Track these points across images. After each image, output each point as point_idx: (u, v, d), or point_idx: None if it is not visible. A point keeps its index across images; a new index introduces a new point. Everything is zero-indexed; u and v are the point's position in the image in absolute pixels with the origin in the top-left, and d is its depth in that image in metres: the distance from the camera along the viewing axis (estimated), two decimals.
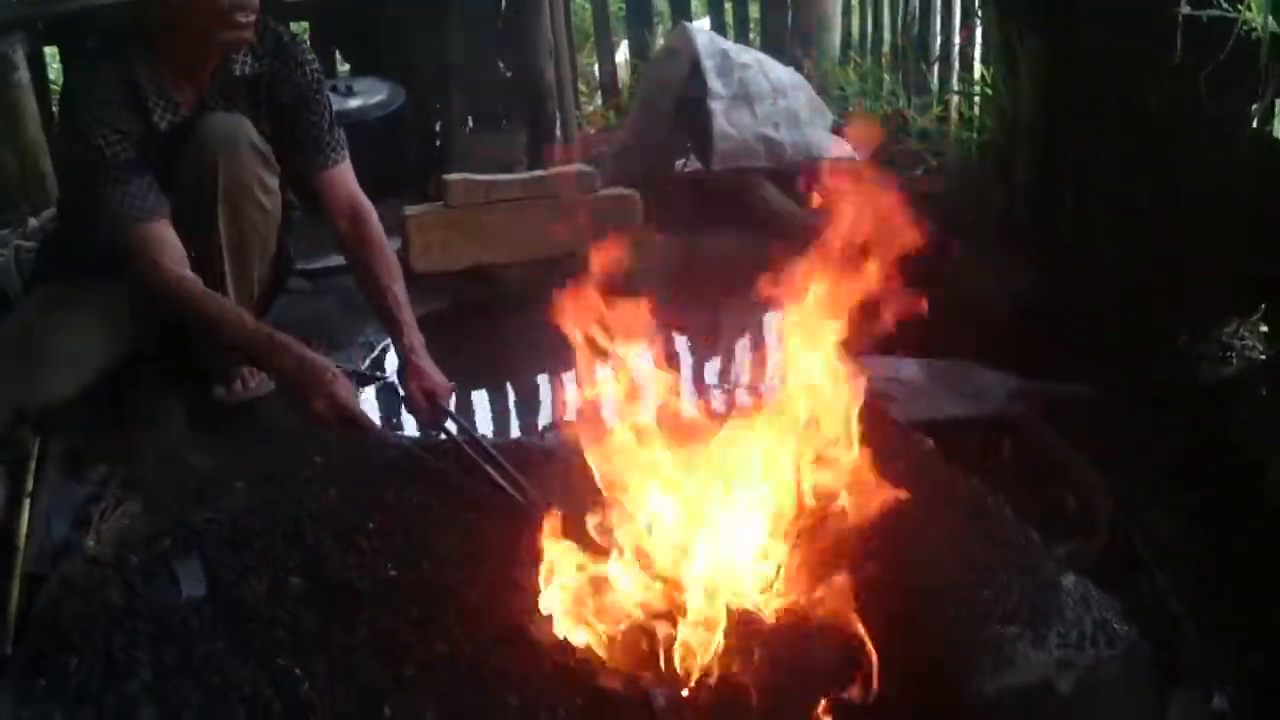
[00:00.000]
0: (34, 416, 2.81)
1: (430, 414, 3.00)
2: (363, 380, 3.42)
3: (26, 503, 2.57)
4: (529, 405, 3.54)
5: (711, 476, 2.26)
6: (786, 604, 2.19)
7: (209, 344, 3.05)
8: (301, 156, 3.12)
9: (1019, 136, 3.85)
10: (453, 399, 3.04)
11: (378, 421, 3.24)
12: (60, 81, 5.08)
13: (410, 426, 3.18)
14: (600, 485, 2.35)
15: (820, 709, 2.10)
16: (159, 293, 2.88)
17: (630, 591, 2.25)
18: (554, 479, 2.73)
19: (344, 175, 3.17)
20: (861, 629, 2.11)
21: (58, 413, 2.86)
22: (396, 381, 3.13)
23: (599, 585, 2.27)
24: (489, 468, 2.79)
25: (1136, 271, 3.29)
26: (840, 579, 2.18)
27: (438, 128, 5.22)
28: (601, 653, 2.24)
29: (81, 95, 2.86)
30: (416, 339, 3.07)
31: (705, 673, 2.16)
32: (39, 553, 2.50)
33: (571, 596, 2.27)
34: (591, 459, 2.35)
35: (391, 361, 3.41)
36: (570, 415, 3.36)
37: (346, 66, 5.46)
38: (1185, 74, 2.93)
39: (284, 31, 3.12)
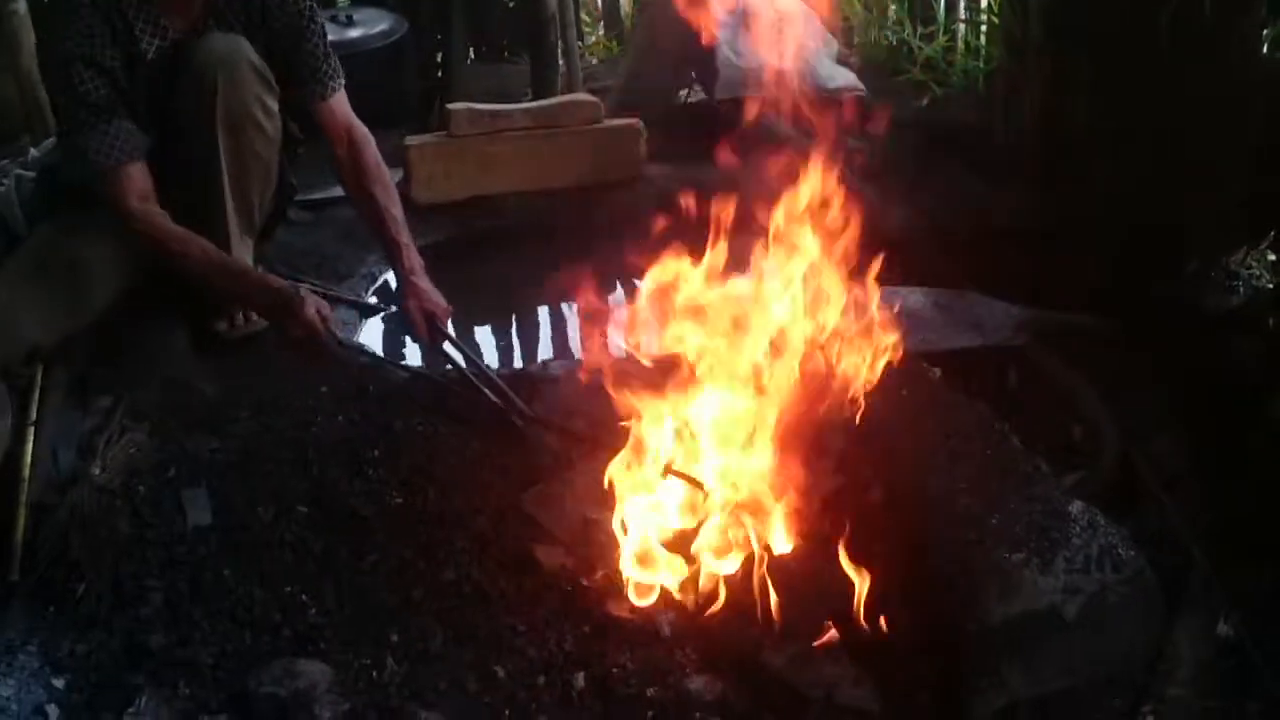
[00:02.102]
0: (47, 353, 2.81)
1: (429, 335, 3.02)
2: (367, 311, 3.40)
3: (31, 432, 2.57)
4: (531, 336, 3.52)
5: (725, 395, 2.27)
6: (791, 530, 2.20)
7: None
8: (299, 87, 3.10)
9: (1027, 64, 3.82)
10: (450, 322, 3.05)
11: (380, 352, 3.23)
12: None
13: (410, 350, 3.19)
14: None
15: (825, 633, 2.12)
16: (129, 232, 2.89)
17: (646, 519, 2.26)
18: (556, 408, 2.73)
19: (341, 104, 3.16)
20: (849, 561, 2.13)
21: (62, 343, 2.86)
22: (396, 305, 3.14)
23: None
24: (486, 390, 2.80)
25: (1143, 199, 3.27)
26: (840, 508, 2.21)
27: (439, 58, 5.17)
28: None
29: (60, 26, 2.84)
30: (415, 260, 3.09)
31: (711, 599, 2.17)
32: (46, 482, 2.50)
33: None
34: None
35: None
36: (574, 345, 3.39)
37: None
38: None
39: None
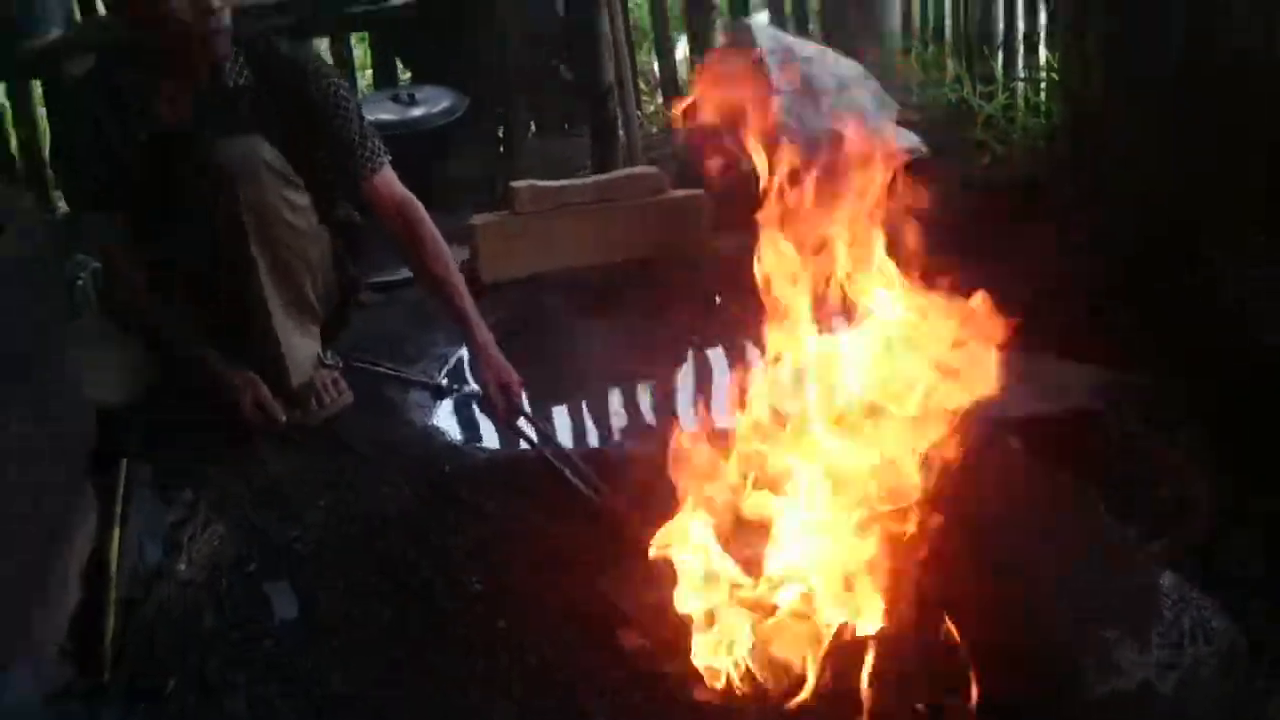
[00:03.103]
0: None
1: (505, 410, 3.07)
2: (439, 392, 3.41)
3: (117, 528, 2.60)
4: (603, 412, 3.52)
5: (809, 476, 2.25)
6: (884, 613, 2.17)
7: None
8: (340, 169, 3.15)
9: (1089, 119, 3.80)
10: (525, 397, 3.10)
11: (459, 433, 3.25)
12: None
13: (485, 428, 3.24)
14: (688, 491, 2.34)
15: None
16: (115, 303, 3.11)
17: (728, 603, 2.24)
18: (633, 485, 2.73)
19: (387, 180, 3.19)
20: (957, 636, 2.09)
21: (142, 435, 2.90)
22: (470, 379, 3.23)
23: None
24: (564, 468, 2.81)
25: (1217, 255, 3.23)
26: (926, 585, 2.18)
27: (500, 133, 5.22)
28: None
29: (62, 124, 2.97)
30: (485, 334, 3.16)
31: (800, 685, 2.15)
32: (132, 578, 2.53)
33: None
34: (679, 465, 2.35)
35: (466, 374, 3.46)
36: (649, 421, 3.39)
37: (408, 74, 5.47)
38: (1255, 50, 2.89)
39: (289, 46, 3.16)
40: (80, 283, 3.44)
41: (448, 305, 3.19)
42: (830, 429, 2.27)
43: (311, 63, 3.15)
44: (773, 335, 2.38)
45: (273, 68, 3.07)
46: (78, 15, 4.85)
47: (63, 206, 4.83)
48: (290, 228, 3.02)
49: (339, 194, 3.23)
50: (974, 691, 2.05)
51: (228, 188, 2.91)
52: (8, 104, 4.97)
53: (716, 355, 3.55)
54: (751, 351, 2.49)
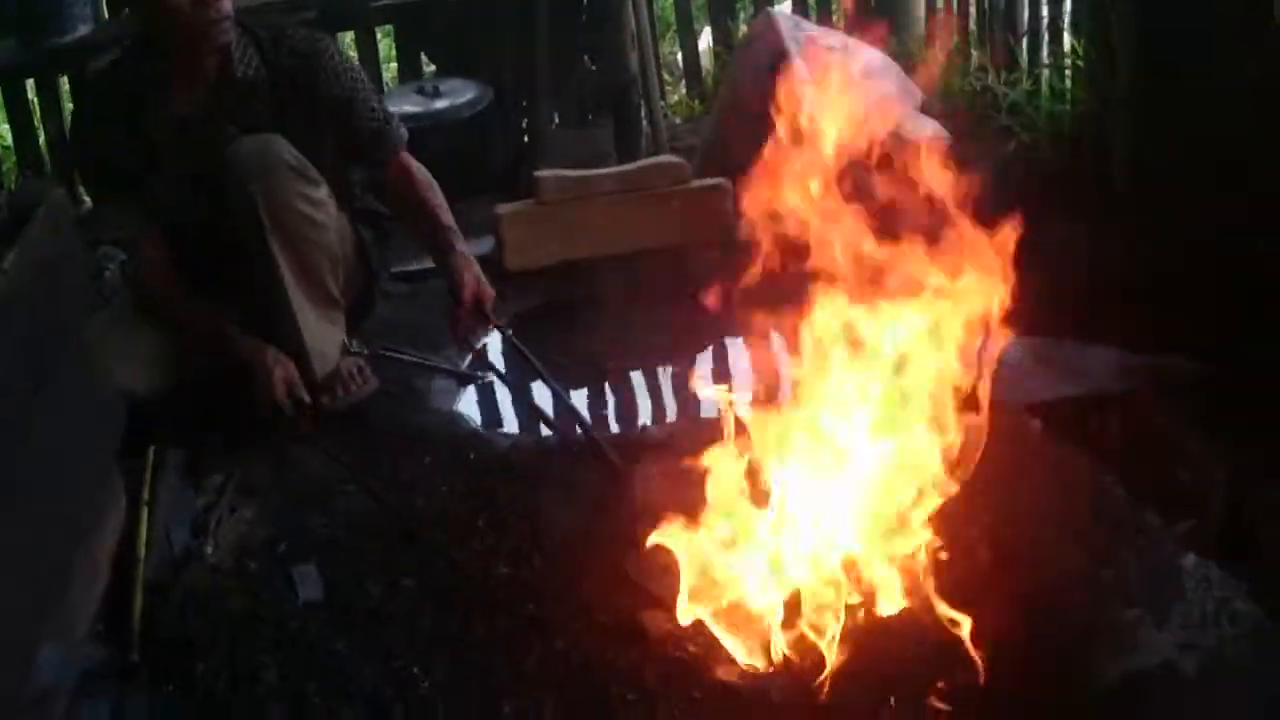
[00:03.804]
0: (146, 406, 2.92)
1: (475, 321, 3.18)
2: (463, 379, 3.44)
3: (145, 512, 2.63)
4: (627, 400, 3.53)
5: (827, 459, 2.26)
6: (902, 593, 2.18)
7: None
8: (365, 156, 3.21)
9: (1114, 107, 3.79)
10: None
11: (483, 420, 3.27)
12: None
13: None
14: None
15: (934, 698, 2.09)
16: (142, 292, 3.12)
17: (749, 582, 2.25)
18: (657, 474, 2.74)
19: (403, 159, 3.26)
20: (962, 620, 2.10)
21: (172, 423, 2.93)
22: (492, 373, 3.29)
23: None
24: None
25: (1238, 241, 3.22)
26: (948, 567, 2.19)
27: (524, 124, 5.23)
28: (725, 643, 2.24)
29: (81, 114, 3.01)
30: (464, 244, 3.21)
31: (821, 665, 2.16)
32: (160, 562, 2.56)
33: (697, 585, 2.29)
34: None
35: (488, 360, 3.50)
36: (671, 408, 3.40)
37: (433, 67, 5.49)
38: None
39: (305, 38, 3.17)
40: (108, 273, 3.48)
41: (426, 220, 3.23)
42: (850, 412, 2.28)
43: (323, 53, 3.15)
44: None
45: (284, 58, 3.09)
46: (105, 13, 4.88)
47: (88, 202, 4.90)
48: (309, 221, 3.04)
49: (359, 180, 3.26)
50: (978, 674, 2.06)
51: (244, 187, 2.95)
52: (37, 100, 5.01)
53: (735, 343, 3.56)
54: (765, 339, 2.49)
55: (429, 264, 3.61)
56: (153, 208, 3.06)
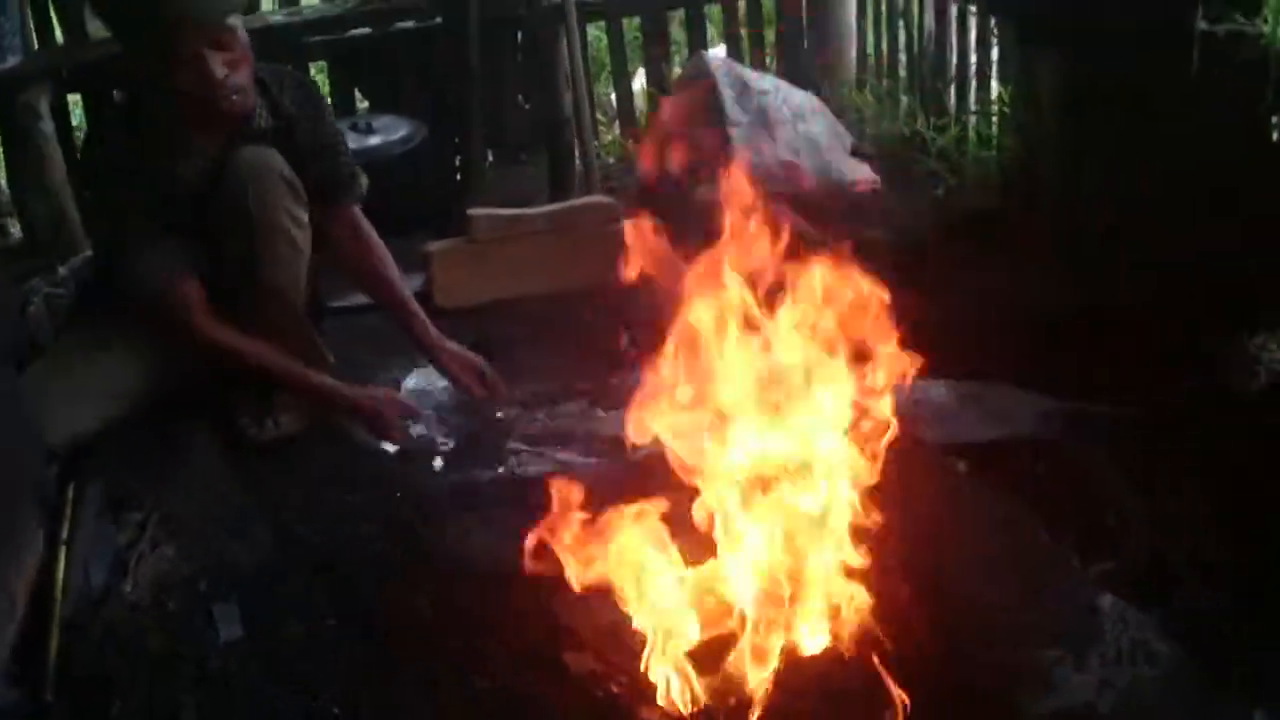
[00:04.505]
0: (64, 454, 2.86)
1: (485, 388, 3.29)
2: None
3: (63, 549, 2.59)
4: (559, 437, 3.52)
5: (749, 499, 2.27)
6: (829, 634, 2.19)
7: (241, 381, 3.17)
8: (325, 199, 3.20)
9: (1039, 153, 3.85)
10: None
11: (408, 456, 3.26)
12: (83, 128, 5.17)
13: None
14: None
15: None
16: (203, 346, 3.04)
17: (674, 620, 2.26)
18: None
19: (357, 215, 3.33)
20: (880, 662, 2.11)
21: (91, 456, 2.89)
22: (438, 372, 3.37)
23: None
24: None
25: (1162, 284, 3.28)
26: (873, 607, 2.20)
27: (457, 162, 5.24)
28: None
29: (110, 155, 2.93)
30: (432, 327, 3.33)
31: (746, 705, 2.16)
32: (78, 600, 2.52)
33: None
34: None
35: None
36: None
37: (366, 104, 5.49)
38: (1204, 85, 2.94)
39: (302, 83, 3.24)
40: (32, 308, 3.43)
41: (392, 301, 3.35)
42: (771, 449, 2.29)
43: (324, 105, 3.28)
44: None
45: (287, 106, 3.12)
46: (35, 44, 4.84)
47: (15, 233, 4.85)
48: (290, 242, 3.07)
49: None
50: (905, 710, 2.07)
51: (240, 192, 2.96)
52: None
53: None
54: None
55: (356, 301, 3.61)
56: (182, 250, 3.01)
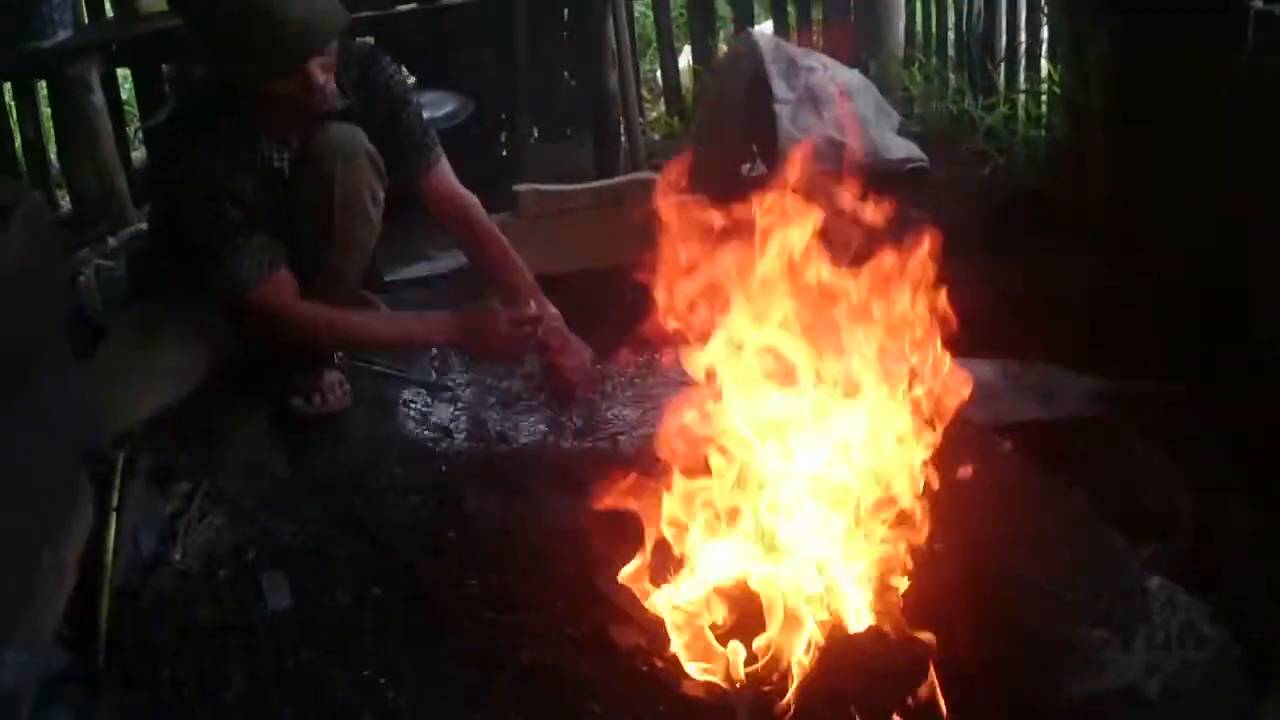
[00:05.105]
0: (132, 436, 2.88)
1: (583, 392, 3.24)
2: (436, 390, 3.43)
3: (113, 518, 2.61)
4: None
5: (794, 476, 2.27)
6: (869, 610, 2.19)
7: (296, 354, 3.16)
8: (405, 163, 3.17)
9: (1089, 132, 3.82)
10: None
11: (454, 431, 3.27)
12: (133, 102, 5.21)
13: None
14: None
15: (899, 716, 2.10)
16: (307, 335, 3.03)
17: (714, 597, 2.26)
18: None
19: (444, 173, 3.26)
20: (928, 636, 2.11)
21: (142, 427, 2.92)
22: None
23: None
24: None
25: (1210, 265, 3.25)
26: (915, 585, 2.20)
27: (504, 138, 5.24)
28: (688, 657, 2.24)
29: (196, 155, 2.88)
30: (553, 309, 3.21)
31: (786, 679, 2.16)
32: (128, 568, 2.54)
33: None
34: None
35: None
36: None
37: (412, 79, 5.49)
38: (1257, 65, 2.90)
39: (366, 54, 3.16)
40: (83, 278, 3.47)
41: (513, 285, 3.23)
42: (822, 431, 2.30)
43: (384, 62, 3.17)
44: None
45: (363, 77, 3.10)
46: (85, 18, 4.87)
47: (65, 205, 4.89)
48: (368, 220, 3.07)
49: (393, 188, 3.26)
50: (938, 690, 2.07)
51: (327, 169, 2.95)
52: (13, 104, 4.99)
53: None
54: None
55: (406, 274, 3.62)
56: (271, 244, 2.97)
